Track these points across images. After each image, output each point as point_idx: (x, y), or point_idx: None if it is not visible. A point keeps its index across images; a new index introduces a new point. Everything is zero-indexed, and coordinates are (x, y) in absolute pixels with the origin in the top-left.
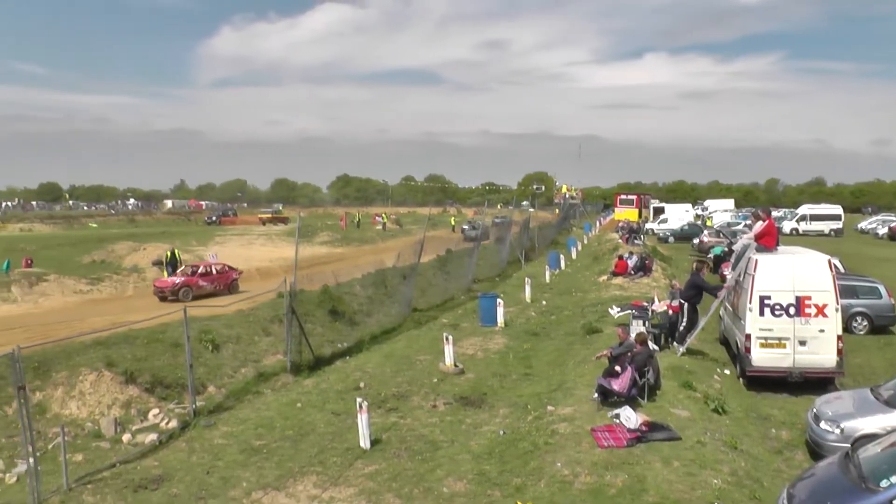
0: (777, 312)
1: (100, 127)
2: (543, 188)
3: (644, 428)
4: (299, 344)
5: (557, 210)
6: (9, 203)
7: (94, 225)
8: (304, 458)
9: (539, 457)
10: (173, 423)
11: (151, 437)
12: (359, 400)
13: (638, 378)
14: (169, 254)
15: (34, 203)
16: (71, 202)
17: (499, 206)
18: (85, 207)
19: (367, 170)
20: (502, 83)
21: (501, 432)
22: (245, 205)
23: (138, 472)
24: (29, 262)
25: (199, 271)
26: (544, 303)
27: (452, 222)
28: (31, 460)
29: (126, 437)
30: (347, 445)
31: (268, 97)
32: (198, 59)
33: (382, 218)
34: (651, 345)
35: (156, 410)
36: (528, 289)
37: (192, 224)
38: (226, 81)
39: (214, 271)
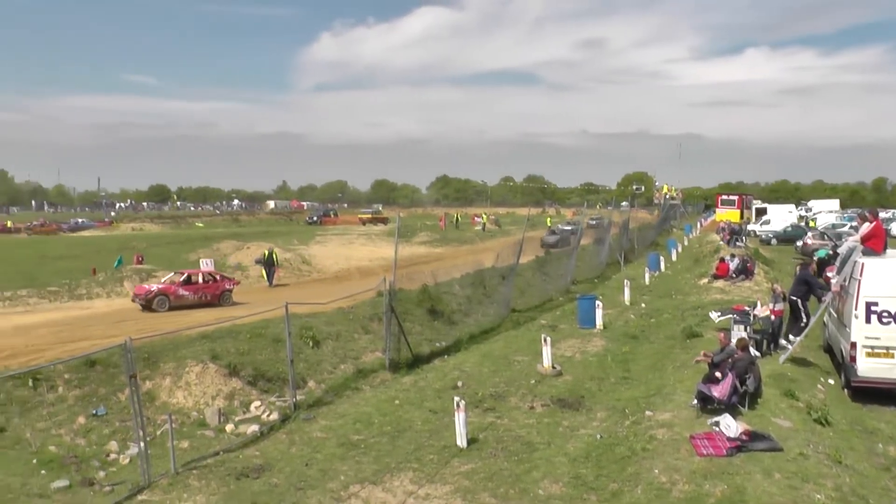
0: (885, 320)
1: (206, 132)
2: (643, 188)
3: (744, 437)
4: (398, 342)
5: (657, 211)
6: (122, 204)
7: (201, 224)
8: (402, 455)
9: (636, 462)
10: (274, 416)
11: (253, 428)
12: (456, 399)
13: (739, 385)
14: (266, 253)
15: (145, 204)
16: (179, 203)
17: (598, 207)
18: (192, 208)
19: (466, 170)
20: (600, 82)
21: (598, 436)
22: (345, 205)
23: (240, 461)
24: (140, 258)
25: (182, 280)
26: (643, 305)
27: (548, 222)
28: (142, 444)
29: (229, 427)
30: (444, 443)
31: (367, 100)
32: (299, 65)
33: (482, 218)
34: (752, 351)
35: (257, 403)
36: (627, 291)
37: (293, 224)
38: (326, 86)
39: (201, 280)
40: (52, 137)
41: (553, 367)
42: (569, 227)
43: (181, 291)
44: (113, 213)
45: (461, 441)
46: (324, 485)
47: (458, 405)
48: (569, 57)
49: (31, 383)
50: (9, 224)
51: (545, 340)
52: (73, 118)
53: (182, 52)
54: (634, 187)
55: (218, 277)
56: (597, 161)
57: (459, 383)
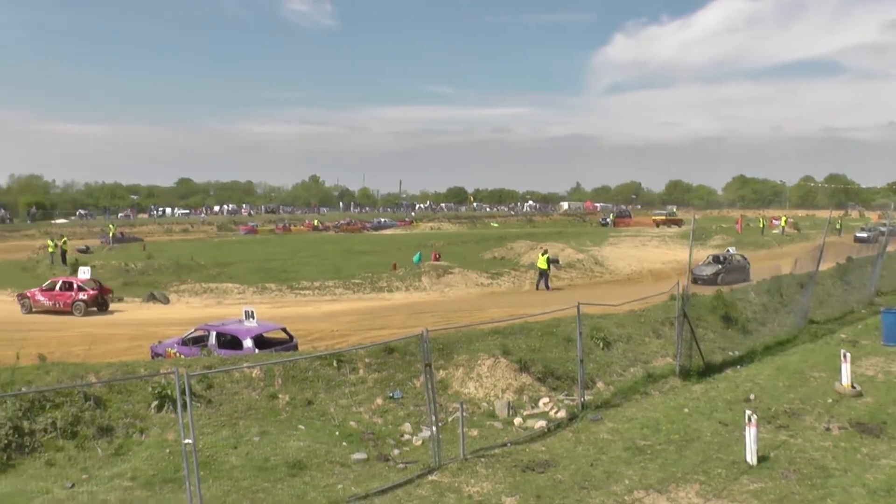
0: None
1: (501, 136)
2: None
3: None
4: (689, 348)
5: None
6: (421, 205)
7: (496, 225)
8: (688, 465)
9: None
10: (562, 413)
11: (540, 423)
12: (748, 412)
13: None
14: (542, 256)
15: (443, 205)
16: (475, 204)
17: None
18: (487, 209)
19: (763, 170)
20: None
21: None
22: (639, 206)
23: (526, 455)
24: (437, 256)
25: (45, 286)
26: None
27: (838, 226)
28: (434, 428)
29: (517, 420)
30: (733, 458)
31: (660, 99)
32: (592, 68)
33: (780, 221)
34: None
35: (546, 399)
36: None
37: (585, 225)
38: (619, 87)
39: (63, 288)
40: (359, 146)
41: (852, 387)
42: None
43: (39, 296)
44: (413, 214)
45: (751, 458)
46: (608, 487)
47: (749, 419)
48: (877, 41)
49: (335, 364)
50: (316, 223)
51: (844, 357)
52: (378, 127)
53: (476, 62)
54: None
55: (75, 286)
56: None
57: (751, 396)
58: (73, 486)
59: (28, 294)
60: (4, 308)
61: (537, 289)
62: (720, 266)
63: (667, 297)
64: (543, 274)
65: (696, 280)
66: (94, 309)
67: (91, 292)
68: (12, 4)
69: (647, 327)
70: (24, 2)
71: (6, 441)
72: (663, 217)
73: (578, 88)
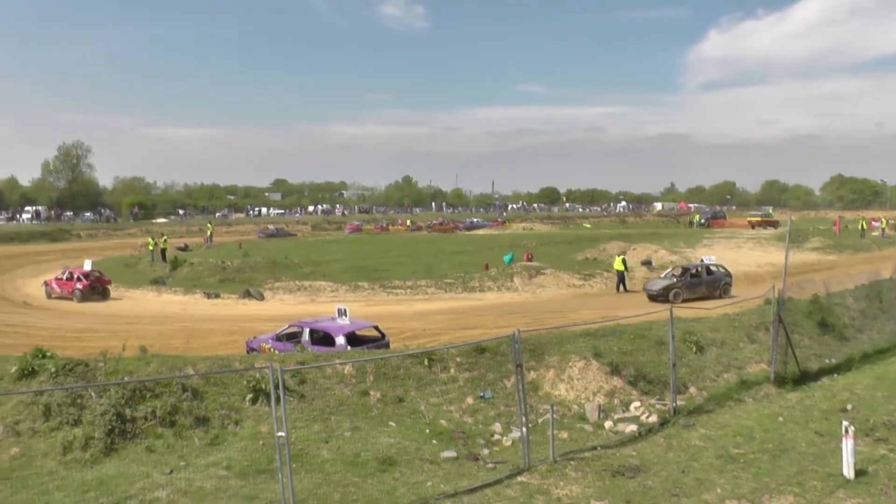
0: None
1: (593, 136)
2: None
3: None
4: (784, 355)
5: None
6: (513, 205)
7: (588, 225)
8: (782, 476)
9: None
10: (653, 418)
11: (631, 427)
12: (845, 423)
13: None
14: (619, 259)
15: (535, 205)
16: (567, 204)
17: None
18: (580, 209)
19: (863, 169)
20: None
21: None
22: (734, 207)
23: (616, 459)
24: (529, 256)
25: (59, 276)
26: None
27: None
28: (524, 429)
29: (608, 423)
30: (829, 471)
31: (756, 96)
32: (685, 65)
33: (881, 223)
34: None
35: (637, 403)
36: None
37: (679, 226)
38: (714, 84)
39: (69, 278)
40: (452, 146)
41: None
42: None
43: (54, 285)
44: (505, 214)
45: (848, 471)
46: (699, 495)
47: (846, 431)
48: None
49: (426, 362)
50: (409, 223)
51: None
52: (471, 128)
53: (569, 61)
54: None
55: (76, 276)
56: None
57: (848, 406)
58: (171, 472)
59: (49, 282)
60: (112, 302)
61: (617, 291)
62: (675, 280)
63: (762, 301)
64: (621, 276)
65: (648, 296)
66: (98, 296)
67: (85, 282)
68: (119, 19)
69: (741, 332)
70: (129, 15)
71: (110, 426)
72: (758, 218)
73: (672, 86)
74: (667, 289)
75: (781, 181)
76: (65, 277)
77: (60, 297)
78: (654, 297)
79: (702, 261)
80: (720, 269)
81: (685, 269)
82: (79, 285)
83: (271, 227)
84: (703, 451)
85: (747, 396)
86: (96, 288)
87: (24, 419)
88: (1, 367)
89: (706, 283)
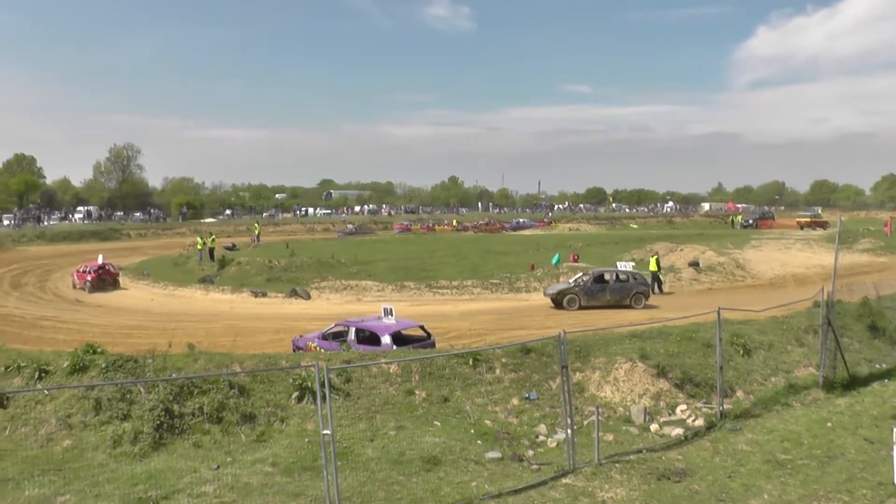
0: None
1: (640, 135)
2: None
3: None
4: (833, 359)
5: None
6: (560, 206)
7: (635, 226)
8: (831, 483)
9: None
10: (699, 422)
11: (677, 430)
12: (895, 430)
13: None
14: (652, 260)
15: (581, 206)
16: (614, 205)
17: None
18: (626, 210)
19: None
20: None
21: None
22: (782, 207)
23: (662, 462)
24: (576, 257)
25: (79, 269)
26: None
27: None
28: (569, 431)
29: (654, 426)
30: (879, 479)
31: (805, 94)
32: (733, 63)
33: None
34: None
35: (683, 406)
36: None
37: (727, 227)
38: (763, 82)
39: (84, 271)
40: (498, 146)
41: None
42: None
43: (75, 277)
44: (551, 214)
45: None
46: (746, 500)
47: None
48: None
49: (472, 362)
50: (455, 223)
51: None
52: (517, 128)
53: (615, 60)
54: None
55: (87, 270)
56: None
57: None
58: (218, 467)
59: (73, 274)
60: (161, 301)
61: (652, 293)
62: (572, 285)
63: (810, 303)
64: (655, 277)
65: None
66: (109, 287)
67: (93, 275)
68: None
69: (789, 335)
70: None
71: (159, 421)
72: (807, 219)
73: (720, 85)
74: (561, 293)
75: (831, 181)
76: (82, 271)
77: (81, 288)
78: (555, 303)
79: (618, 266)
80: (635, 277)
81: (597, 275)
82: (88, 277)
83: (350, 226)
84: (750, 456)
85: (795, 401)
86: (105, 280)
87: (75, 412)
88: (54, 362)
89: (612, 291)
